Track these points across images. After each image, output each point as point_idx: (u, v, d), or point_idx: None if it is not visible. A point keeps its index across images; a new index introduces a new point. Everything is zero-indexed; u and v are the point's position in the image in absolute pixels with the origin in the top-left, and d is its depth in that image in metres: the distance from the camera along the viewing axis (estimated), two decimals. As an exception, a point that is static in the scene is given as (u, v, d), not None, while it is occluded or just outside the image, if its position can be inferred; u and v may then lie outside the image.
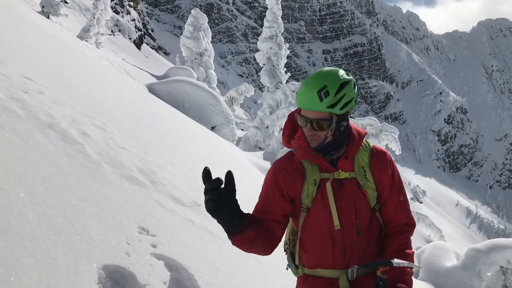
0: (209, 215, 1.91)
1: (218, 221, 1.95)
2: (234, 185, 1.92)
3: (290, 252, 2.36)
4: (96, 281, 2.37)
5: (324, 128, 2.10)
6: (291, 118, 2.37)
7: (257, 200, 2.31)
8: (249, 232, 2.03)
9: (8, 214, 2.35)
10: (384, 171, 2.25)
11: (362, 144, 2.29)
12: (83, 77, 7.11)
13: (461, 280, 7.83)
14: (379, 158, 2.27)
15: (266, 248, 2.20)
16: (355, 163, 2.22)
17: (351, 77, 2.15)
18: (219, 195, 1.87)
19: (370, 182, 2.20)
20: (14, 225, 2.30)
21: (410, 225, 2.27)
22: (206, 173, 1.88)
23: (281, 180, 2.23)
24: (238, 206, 1.96)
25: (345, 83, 2.08)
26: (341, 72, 2.12)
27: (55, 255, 2.31)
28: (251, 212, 2.22)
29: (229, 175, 1.90)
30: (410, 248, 2.24)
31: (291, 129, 2.35)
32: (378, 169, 2.24)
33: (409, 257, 2.20)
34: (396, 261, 2.05)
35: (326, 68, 2.15)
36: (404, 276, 2.13)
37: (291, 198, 2.22)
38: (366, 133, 2.33)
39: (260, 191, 2.33)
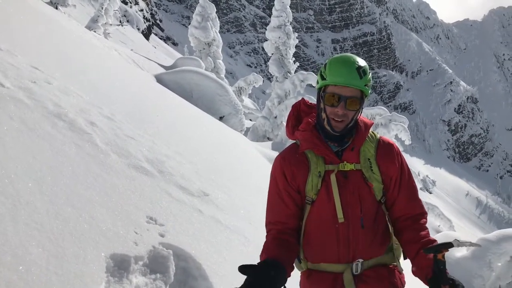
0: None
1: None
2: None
3: None
4: (104, 270, 2.38)
5: (356, 108, 2.08)
6: (295, 108, 2.33)
7: (266, 192, 2.28)
8: (288, 267, 2.02)
9: (16, 203, 2.35)
10: (391, 163, 2.19)
11: (369, 135, 2.24)
12: (91, 67, 7.11)
13: (471, 270, 7.77)
14: (386, 150, 2.22)
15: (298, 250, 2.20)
16: (361, 155, 2.16)
17: None
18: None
19: (376, 174, 2.14)
20: (22, 214, 2.31)
21: (424, 214, 2.23)
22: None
23: (286, 171, 2.18)
24: (270, 275, 1.84)
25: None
26: None
27: (63, 244, 2.31)
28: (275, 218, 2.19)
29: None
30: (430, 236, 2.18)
31: (295, 120, 2.30)
32: (384, 162, 2.18)
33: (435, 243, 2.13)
34: (457, 242, 1.98)
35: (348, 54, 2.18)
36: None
37: (298, 190, 2.18)
38: (373, 123, 2.27)
39: (268, 182, 2.30)
